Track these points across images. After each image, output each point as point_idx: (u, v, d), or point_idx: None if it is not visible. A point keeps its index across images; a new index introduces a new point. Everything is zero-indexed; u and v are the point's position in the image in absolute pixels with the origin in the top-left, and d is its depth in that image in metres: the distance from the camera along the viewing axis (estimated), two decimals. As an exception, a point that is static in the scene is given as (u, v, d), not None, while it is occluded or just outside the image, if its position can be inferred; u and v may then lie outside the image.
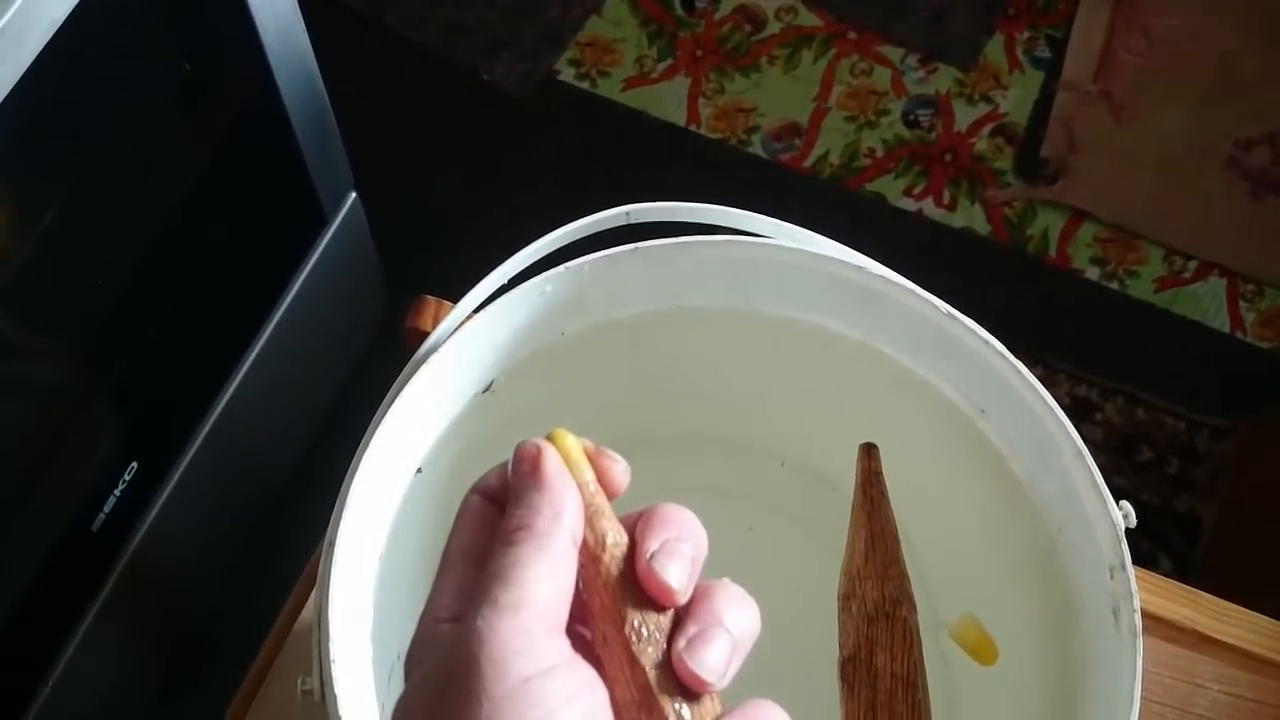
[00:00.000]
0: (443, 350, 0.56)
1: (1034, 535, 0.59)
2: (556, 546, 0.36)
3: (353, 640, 0.52)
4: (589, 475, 0.39)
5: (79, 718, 1.13)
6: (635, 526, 0.38)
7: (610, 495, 0.39)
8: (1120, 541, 0.54)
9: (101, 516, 1.05)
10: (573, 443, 0.39)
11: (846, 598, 0.48)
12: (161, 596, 1.23)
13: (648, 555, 0.37)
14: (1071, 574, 0.57)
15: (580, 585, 0.38)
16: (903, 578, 0.47)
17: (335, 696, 0.49)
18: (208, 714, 0.74)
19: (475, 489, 0.40)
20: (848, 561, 0.48)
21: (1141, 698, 0.52)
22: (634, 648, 0.36)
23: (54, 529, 1.02)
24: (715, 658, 0.36)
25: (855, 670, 0.48)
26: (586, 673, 0.35)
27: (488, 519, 0.39)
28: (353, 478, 0.53)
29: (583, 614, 0.38)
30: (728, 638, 0.36)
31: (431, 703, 0.34)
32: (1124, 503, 0.54)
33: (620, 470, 0.40)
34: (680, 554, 0.37)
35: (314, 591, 0.53)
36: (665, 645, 0.36)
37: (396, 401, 0.54)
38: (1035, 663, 0.60)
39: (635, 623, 0.36)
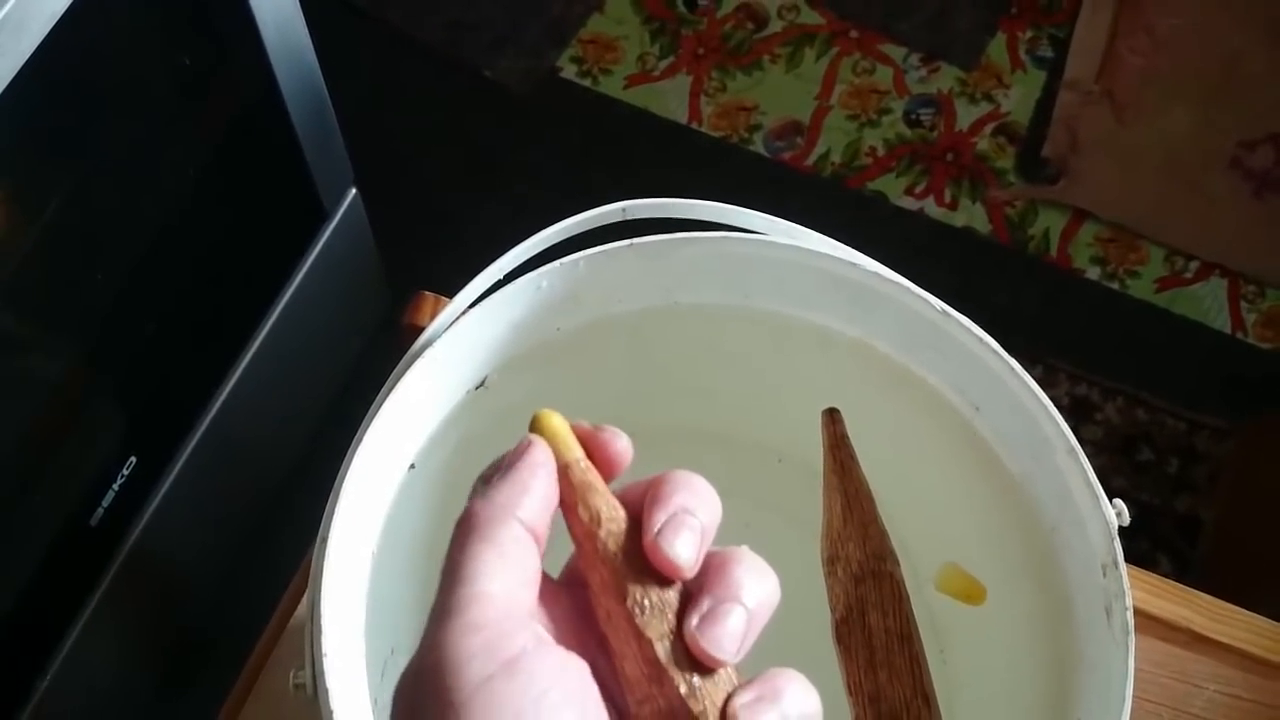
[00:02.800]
0: (435, 346, 0.56)
1: (1028, 533, 0.59)
2: (501, 533, 0.35)
3: (345, 634, 0.52)
4: (577, 453, 0.38)
5: (77, 712, 1.13)
6: (643, 497, 0.37)
7: (613, 471, 0.38)
8: (1113, 539, 0.54)
9: (100, 511, 1.06)
10: (558, 422, 0.38)
11: (831, 562, 0.48)
12: (160, 591, 1.23)
13: (655, 529, 0.35)
14: (1065, 572, 0.57)
15: (581, 563, 0.37)
16: (883, 535, 0.47)
17: (327, 690, 0.49)
18: (206, 708, 0.74)
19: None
20: (827, 526, 0.48)
21: (1137, 697, 0.52)
22: (638, 621, 0.35)
23: (52, 523, 1.03)
24: (729, 635, 0.34)
25: (850, 631, 0.48)
26: (555, 659, 0.34)
27: None
28: (346, 473, 0.53)
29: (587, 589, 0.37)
30: (742, 612, 0.35)
31: (408, 713, 0.34)
32: (1117, 500, 0.54)
33: (622, 445, 0.39)
34: (688, 526, 0.36)
35: (308, 586, 0.53)
36: (674, 618, 0.35)
37: (389, 398, 0.54)
38: (1029, 660, 0.60)
39: (638, 595, 0.35)
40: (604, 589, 0.36)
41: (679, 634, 0.35)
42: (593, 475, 0.38)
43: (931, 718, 0.44)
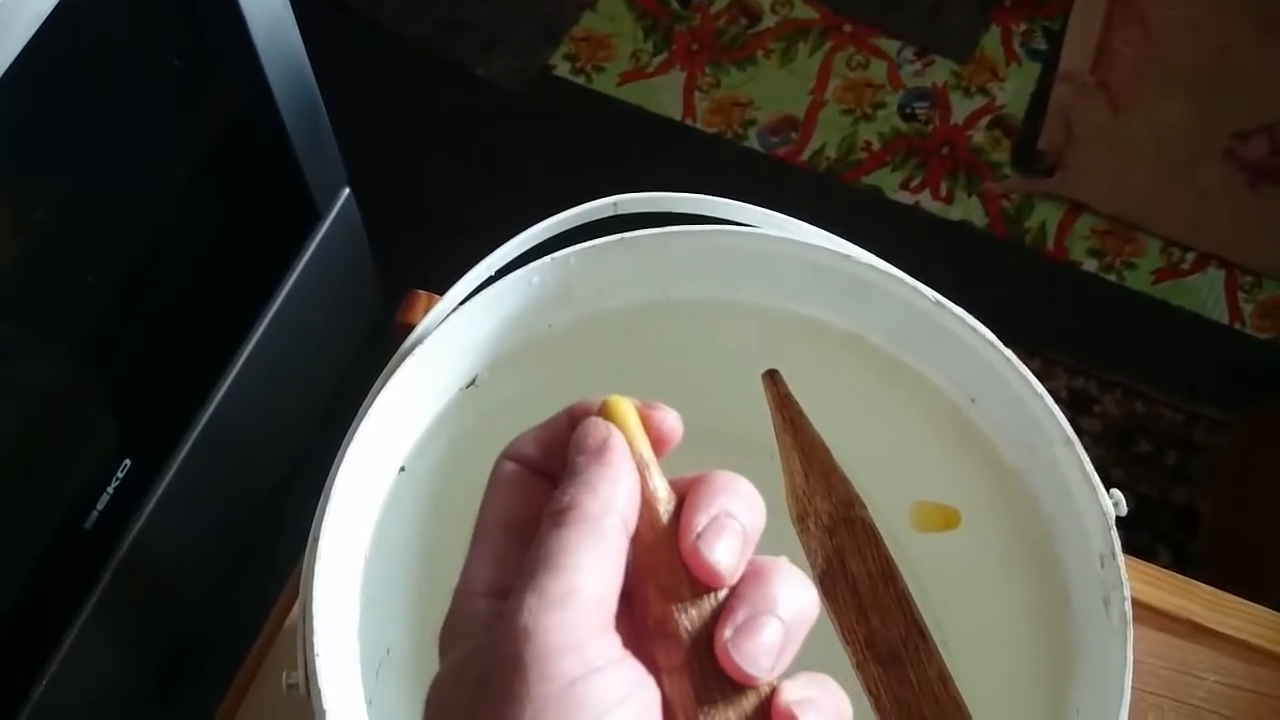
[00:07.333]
0: (425, 345, 0.56)
1: (1026, 524, 0.59)
2: (609, 533, 0.34)
3: (338, 635, 0.52)
4: (643, 445, 0.36)
5: (73, 716, 1.13)
6: (684, 498, 0.35)
7: (663, 449, 0.37)
8: (1110, 530, 0.53)
9: (94, 515, 1.05)
10: (628, 409, 0.37)
11: (801, 519, 0.47)
12: (156, 595, 1.23)
13: (695, 533, 0.34)
14: (1063, 563, 0.56)
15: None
16: (845, 482, 0.47)
17: (320, 690, 0.49)
18: (201, 712, 0.74)
19: (509, 456, 0.37)
20: (790, 485, 0.48)
21: (1138, 689, 0.51)
22: (674, 619, 0.33)
23: (47, 528, 1.02)
24: (764, 650, 0.33)
25: (834, 583, 0.47)
26: (636, 672, 0.33)
27: (527, 489, 0.36)
28: (336, 473, 0.53)
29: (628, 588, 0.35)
30: (779, 626, 0.33)
31: (471, 699, 0.32)
32: (1114, 491, 0.54)
33: (672, 422, 0.37)
34: (730, 530, 0.34)
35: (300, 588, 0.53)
36: (709, 617, 0.33)
37: (379, 397, 0.54)
38: (1028, 652, 0.59)
39: (677, 599, 0.34)
40: (641, 575, 0.35)
41: (709, 649, 0.33)
42: (650, 455, 0.36)
43: (929, 648, 0.44)
